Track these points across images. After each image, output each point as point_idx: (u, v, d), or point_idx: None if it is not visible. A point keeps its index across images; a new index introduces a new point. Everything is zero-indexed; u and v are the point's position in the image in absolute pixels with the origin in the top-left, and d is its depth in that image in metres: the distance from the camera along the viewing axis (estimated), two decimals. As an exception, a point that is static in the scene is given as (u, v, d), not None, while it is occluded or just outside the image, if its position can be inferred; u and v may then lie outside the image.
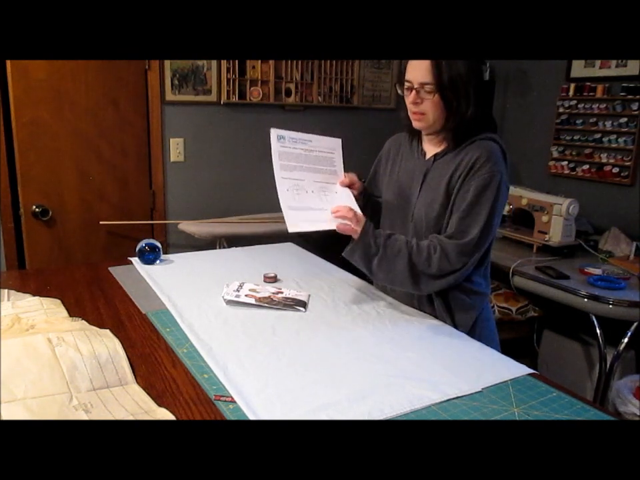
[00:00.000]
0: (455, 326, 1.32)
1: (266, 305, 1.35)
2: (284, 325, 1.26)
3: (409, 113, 1.33)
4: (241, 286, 1.45)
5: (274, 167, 1.34)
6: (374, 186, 1.55)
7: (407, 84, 1.29)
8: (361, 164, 3.07)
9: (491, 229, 1.26)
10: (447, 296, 1.34)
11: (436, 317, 1.35)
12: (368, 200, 1.50)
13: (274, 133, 1.35)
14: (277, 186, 1.34)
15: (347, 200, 1.39)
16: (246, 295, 1.39)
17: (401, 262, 1.25)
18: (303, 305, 1.37)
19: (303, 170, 1.38)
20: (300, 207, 1.34)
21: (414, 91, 1.27)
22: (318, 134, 1.43)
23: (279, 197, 1.33)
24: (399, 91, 1.33)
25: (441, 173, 1.32)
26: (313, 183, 1.38)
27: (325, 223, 1.33)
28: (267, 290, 1.45)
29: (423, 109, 1.28)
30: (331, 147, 1.42)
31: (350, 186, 1.41)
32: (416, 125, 1.33)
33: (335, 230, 1.30)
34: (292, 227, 1.31)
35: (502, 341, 1.43)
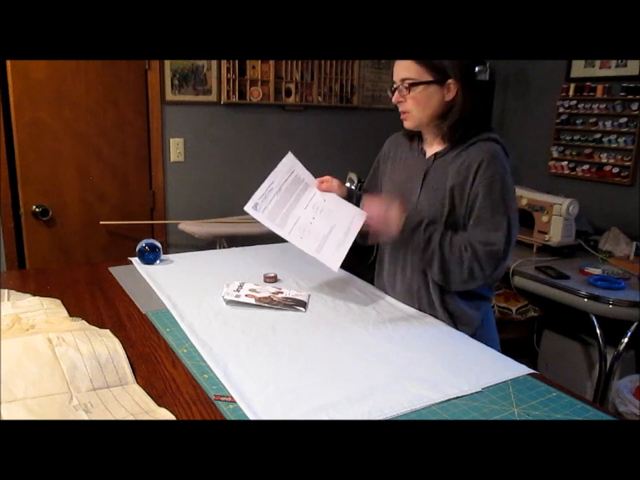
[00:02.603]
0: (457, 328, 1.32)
1: (266, 305, 1.35)
2: (284, 324, 1.26)
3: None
4: (241, 286, 1.45)
5: (278, 233, 1.34)
6: (373, 186, 1.55)
7: (393, 86, 1.32)
8: (361, 164, 3.08)
9: (512, 232, 1.25)
10: (449, 304, 1.34)
11: (436, 317, 1.35)
12: (358, 200, 1.50)
13: (248, 209, 1.34)
14: (293, 244, 1.34)
15: (337, 202, 1.41)
16: (246, 295, 1.39)
17: (435, 258, 1.25)
18: (303, 305, 1.37)
19: (291, 209, 1.38)
20: (320, 242, 1.34)
21: (396, 91, 1.30)
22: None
23: (303, 250, 1.33)
24: (390, 95, 1.34)
25: (443, 173, 1.32)
26: (305, 211, 1.39)
27: (349, 234, 1.33)
28: (267, 290, 1.45)
29: (406, 107, 1.31)
30: (287, 168, 1.41)
31: (326, 186, 1.43)
32: (405, 124, 1.35)
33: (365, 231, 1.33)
34: (335, 265, 1.30)
35: (502, 341, 1.43)
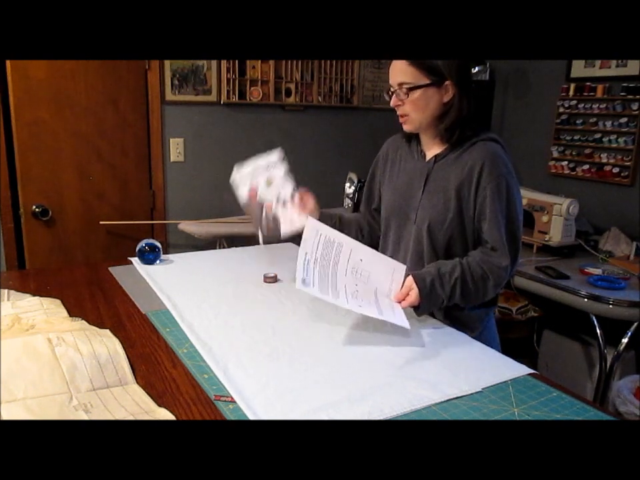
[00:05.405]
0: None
1: None
2: (284, 324, 1.26)
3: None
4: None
5: (339, 305, 1.21)
6: (373, 188, 1.54)
7: (390, 89, 1.30)
8: (361, 164, 3.08)
9: (519, 233, 1.29)
10: (450, 307, 1.33)
11: (435, 318, 1.35)
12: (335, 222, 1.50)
13: (300, 287, 1.18)
14: (357, 312, 1.22)
15: (371, 259, 1.30)
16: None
17: (459, 299, 1.28)
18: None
19: (334, 279, 1.24)
20: (377, 307, 1.23)
21: (394, 95, 1.29)
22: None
23: (369, 316, 1.21)
24: (387, 98, 1.34)
25: (444, 176, 1.31)
26: (347, 279, 1.25)
27: (392, 294, 1.27)
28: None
29: (405, 111, 1.30)
30: (313, 234, 1.26)
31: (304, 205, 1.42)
32: (404, 127, 1.35)
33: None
34: (406, 323, 1.20)
35: (502, 341, 1.43)
